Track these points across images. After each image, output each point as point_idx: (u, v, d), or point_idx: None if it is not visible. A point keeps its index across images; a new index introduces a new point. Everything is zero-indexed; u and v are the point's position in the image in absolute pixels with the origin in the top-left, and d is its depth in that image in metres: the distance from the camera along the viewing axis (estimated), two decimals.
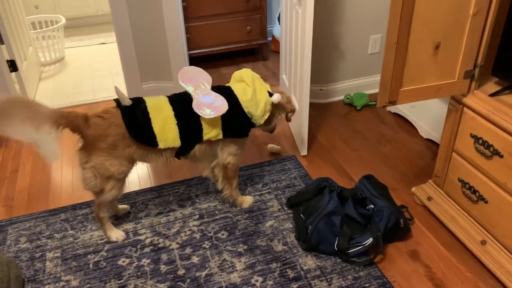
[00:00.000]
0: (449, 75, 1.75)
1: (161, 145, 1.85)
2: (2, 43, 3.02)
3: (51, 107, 1.72)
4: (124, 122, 1.80)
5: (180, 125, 1.86)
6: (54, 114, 1.71)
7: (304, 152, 2.60)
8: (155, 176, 2.49)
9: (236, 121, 1.96)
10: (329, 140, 2.76)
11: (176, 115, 1.86)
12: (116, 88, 1.85)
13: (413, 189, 2.21)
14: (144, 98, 1.90)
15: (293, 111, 2.17)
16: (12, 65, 3.08)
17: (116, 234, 2.04)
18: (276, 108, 2.09)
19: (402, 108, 2.92)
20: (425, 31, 1.61)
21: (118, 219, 2.15)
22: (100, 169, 1.83)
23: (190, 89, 1.94)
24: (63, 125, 1.74)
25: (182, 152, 1.95)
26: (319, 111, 3.10)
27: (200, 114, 1.85)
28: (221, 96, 1.91)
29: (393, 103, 1.75)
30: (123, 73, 3.22)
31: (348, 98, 3.14)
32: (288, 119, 2.21)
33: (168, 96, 1.94)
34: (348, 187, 2.13)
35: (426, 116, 2.73)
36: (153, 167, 2.55)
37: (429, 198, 2.11)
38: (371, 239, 1.86)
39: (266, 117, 2.02)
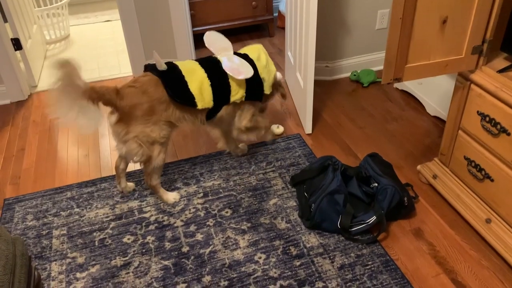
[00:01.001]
0: (456, 51, 1.70)
1: (200, 105, 1.92)
2: (6, 21, 3.00)
3: (85, 81, 1.74)
4: (164, 86, 1.86)
5: (213, 86, 1.94)
6: (88, 90, 1.74)
7: (308, 130, 2.58)
8: None
9: (256, 85, 2.05)
10: (335, 118, 2.73)
11: (209, 77, 1.94)
12: (154, 53, 1.93)
13: (419, 167, 2.20)
14: (175, 62, 1.96)
15: (284, 95, 2.30)
16: (17, 43, 3.07)
17: (172, 196, 2.12)
18: (274, 86, 2.19)
19: (409, 85, 2.87)
20: (432, 6, 1.56)
21: (123, 197, 2.16)
22: (144, 137, 1.88)
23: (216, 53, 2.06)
24: (96, 99, 1.78)
25: (210, 114, 2.02)
26: (324, 88, 3.06)
27: (238, 77, 1.95)
28: (245, 62, 2.02)
29: (398, 80, 1.71)
30: (128, 50, 3.20)
31: (354, 75, 3.10)
32: (285, 97, 2.33)
33: (196, 60, 2.02)
34: (353, 165, 2.12)
35: (434, 93, 2.68)
36: None
37: (435, 176, 2.10)
38: (374, 218, 1.85)
39: (271, 88, 2.13)
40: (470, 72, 1.77)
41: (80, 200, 2.17)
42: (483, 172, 1.80)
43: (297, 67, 2.68)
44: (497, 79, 1.68)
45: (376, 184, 1.95)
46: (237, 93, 2.01)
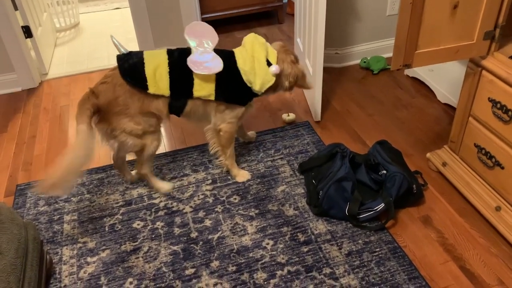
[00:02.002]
0: (467, 36, 1.68)
1: (151, 90, 1.84)
2: (16, 9, 3.02)
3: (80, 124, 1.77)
4: (118, 65, 1.83)
5: (171, 74, 1.85)
6: (83, 111, 1.76)
7: (317, 117, 2.57)
8: (169, 141, 2.51)
9: (232, 87, 1.91)
10: (344, 105, 2.72)
11: (169, 64, 1.85)
12: (112, 37, 1.86)
13: (428, 154, 2.18)
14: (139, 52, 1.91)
15: (304, 86, 2.09)
16: (27, 31, 3.09)
17: (167, 185, 2.13)
18: (280, 77, 1.99)
19: (420, 72, 2.84)
20: None
21: (133, 184, 2.18)
22: (130, 130, 1.86)
23: (192, 43, 1.90)
24: (93, 113, 1.79)
25: (176, 107, 1.93)
26: (334, 75, 3.04)
27: (191, 68, 1.83)
28: (219, 58, 1.87)
29: (408, 66, 1.69)
30: (137, 38, 3.20)
31: (364, 62, 3.07)
32: (307, 87, 2.14)
33: (168, 49, 1.93)
34: (362, 153, 2.11)
35: (444, 79, 2.65)
36: (168, 133, 2.57)
37: (444, 164, 2.08)
38: (382, 205, 1.85)
39: (266, 87, 1.94)
40: (481, 58, 1.74)
41: (91, 186, 2.20)
42: (493, 160, 1.78)
43: (306, 53, 2.66)
44: (509, 65, 1.65)
45: (384, 172, 1.94)
46: (201, 89, 1.88)
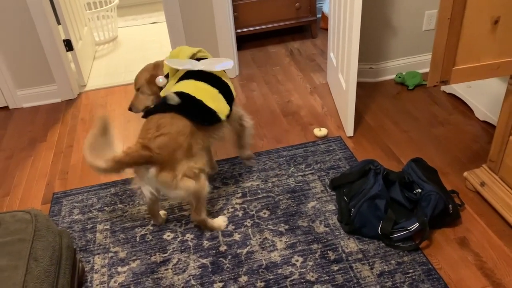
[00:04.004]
0: (508, 52, 1.62)
1: (223, 117, 1.90)
2: (59, 23, 3.15)
3: (110, 158, 1.65)
4: (189, 118, 1.79)
5: (221, 92, 1.92)
6: (113, 165, 1.65)
7: (350, 133, 2.53)
8: None
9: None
10: (377, 121, 2.67)
11: (213, 86, 1.91)
12: (168, 93, 1.84)
13: (465, 173, 2.10)
14: (178, 91, 1.86)
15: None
16: (68, 45, 3.21)
17: (222, 219, 2.02)
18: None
19: (457, 88, 2.76)
20: (483, 5, 1.49)
21: (162, 199, 2.19)
22: (190, 171, 1.78)
23: (188, 66, 1.95)
24: (126, 167, 1.71)
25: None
26: (368, 90, 3.00)
27: (229, 66, 1.99)
28: (214, 58, 2.07)
29: (445, 82, 1.65)
30: None
31: (399, 77, 3.01)
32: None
33: (190, 77, 1.91)
34: (396, 170, 2.06)
35: (484, 96, 2.57)
36: None
37: (482, 184, 2.00)
38: (416, 224, 1.79)
39: None
40: None
41: (124, 196, 2.24)
42: None
43: (339, 68, 2.64)
44: None
45: (419, 190, 1.89)
46: (233, 88, 2.02)
